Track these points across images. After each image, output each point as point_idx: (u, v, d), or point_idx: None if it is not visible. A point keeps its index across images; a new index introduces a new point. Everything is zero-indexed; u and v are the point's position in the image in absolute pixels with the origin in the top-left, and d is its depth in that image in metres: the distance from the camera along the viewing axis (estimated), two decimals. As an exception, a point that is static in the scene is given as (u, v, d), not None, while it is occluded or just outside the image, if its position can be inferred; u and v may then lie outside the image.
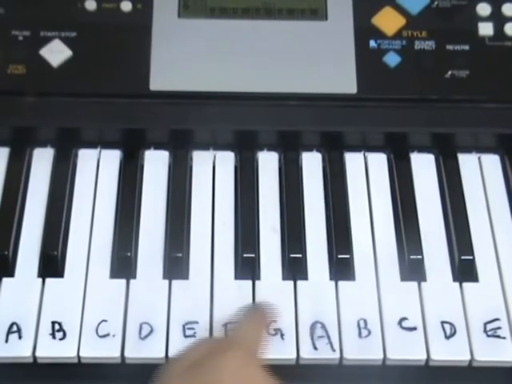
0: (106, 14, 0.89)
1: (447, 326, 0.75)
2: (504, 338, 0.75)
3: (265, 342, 0.70)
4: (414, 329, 0.75)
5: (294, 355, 0.74)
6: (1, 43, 0.87)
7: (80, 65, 0.87)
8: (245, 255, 0.79)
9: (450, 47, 0.89)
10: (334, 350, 0.74)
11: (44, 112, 0.85)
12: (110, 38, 0.88)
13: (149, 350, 0.74)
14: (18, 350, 0.74)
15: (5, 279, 0.78)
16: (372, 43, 0.89)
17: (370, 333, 0.75)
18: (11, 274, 0.78)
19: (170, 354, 0.73)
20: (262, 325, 0.71)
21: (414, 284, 0.78)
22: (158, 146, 0.87)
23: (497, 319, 0.76)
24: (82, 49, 0.88)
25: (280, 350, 0.74)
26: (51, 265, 0.78)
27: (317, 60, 0.88)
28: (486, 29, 0.90)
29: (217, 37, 0.89)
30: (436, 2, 0.91)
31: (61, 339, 0.74)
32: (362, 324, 0.75)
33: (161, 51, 0.88)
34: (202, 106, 0.86)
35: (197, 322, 0.75)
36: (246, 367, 0.64)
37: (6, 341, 0.74)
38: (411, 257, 0.79)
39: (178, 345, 0.73)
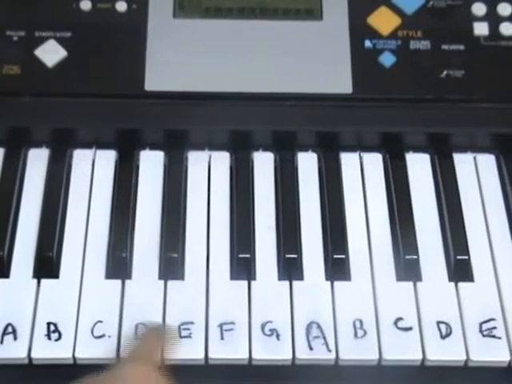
0: (101, 14, 0.89)
1: (443, 326, 0.75)
2: (499, 337, 0.75)
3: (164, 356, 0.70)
4: (410, 329, 0.75)
5: (289, 355, 0.74)
6: (-5, 44, 0.88)
7: (75, 65, 0.87)
8: (240, 255, 0.79)
9: (445, 47, 0.89)
10: (329, 351, 0.74)
11: (39, 112, 0.85)
12: (105, 39, 0.88)
13: (144, 351, 0.74)
14: (14, 351, 0.73)
15: (0, 280, 0.77)
16: (367, 43, 0.89)
17: (365, 333, 0.75)
18: (6, 275, 0.78)
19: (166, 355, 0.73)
20: (157, 342, 0.71)
21: (410, 284, 0.78)
22: (154, 146, 0.87)
23: (492, 319, 0.76)
24: (77, 49, 0.88)
25: (276, 351, 0.74)
26: (46, 266, 0.78)
27: (312, 60, 0.88)
28: (481, 28, 0.90)
29: (212, 37, 0.89)
30: (431, 2, 0.91)
31: (56, 340, 0.74)
32: (357, 324, 0.75)
33: (156, 51, 0.88)
34: (197, 106, 0.86)
35: (192, 323, 0.75)
36: (148, 371, 0.65)
37: (1, 342, 0.73)
38: (407, 257, 0.79)
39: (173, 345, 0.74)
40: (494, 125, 0.87)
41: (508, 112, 0.87)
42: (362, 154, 0.87)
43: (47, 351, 0.74)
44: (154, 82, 0.86)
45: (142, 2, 0.90)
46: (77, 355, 0.73)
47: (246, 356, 0.74)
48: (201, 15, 0.90)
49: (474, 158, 0.87)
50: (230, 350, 0.74)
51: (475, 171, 0.86)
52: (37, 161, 0.85)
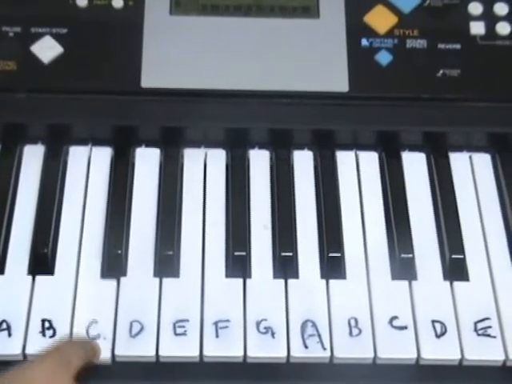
0: (97, 10, 0.89)
1: (438, 325, 0.76)
2: (494, 337, 0.75)
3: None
4: (405, 328, 0.75)
5: (284, 354, 0.74)
6: (-9, 39, 0.87)
7: (71, 61, 0.87)
8: (236, 253, 0.79)
9: (441, 46, 0.89)
10: (324, 349, 0.74)
11: (35, 108, 0.85)
12: (101, 35, 0.88)
13: (139, 348, 0.74)
14: (8, 347, 0.73)
15: (-5, 276, 0.78)
16: (364, 41, 0.89)
17: (360, 331, 0.75)
18: (1, 272, 0.78)
19: (161, 352, 0.73)
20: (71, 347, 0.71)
21: (405, 283, 0.78)
22: (150, 143, 0.87)
23: (487, 318, 0.76)
24: (73, 45, 0.88)
25: (270, 348, 0.74)
26: (41, 262, 0.78)
27: (308, 58, 0.88)
28: (477, 28, 0.90)
29: (208, 34, 0.89)
30: (428, 1, 0.91)
31: (51, 337, 0.74)
32: (352, 323, 0.75)
33: (152, 48, 0.88)
34: (193, 104, 0.86)
35: (187, 320, 0.75)
36: (54, 370, 0.66)
37: (-4, 338, 0.74)
38: (402, 256, 0.79)
39: (168, 343, 0.74)
40: (490, 124, 0.87)
41: (504, 111, 0.87)
42: (357, 152, 0.87)
43: (41, 348, 0.73)
44: (150, 78, 0.86)
45: (139, -1, 0.90)
46: (71, 352, 0.73)
47: (241, 354, 0.74)
48: (197, 12, 0.90)
49: (470, 157, 0.88)
50: (224, 348, 0.74)
51: (471, 170, 0.87)
52: (32, 157, 0.85)
